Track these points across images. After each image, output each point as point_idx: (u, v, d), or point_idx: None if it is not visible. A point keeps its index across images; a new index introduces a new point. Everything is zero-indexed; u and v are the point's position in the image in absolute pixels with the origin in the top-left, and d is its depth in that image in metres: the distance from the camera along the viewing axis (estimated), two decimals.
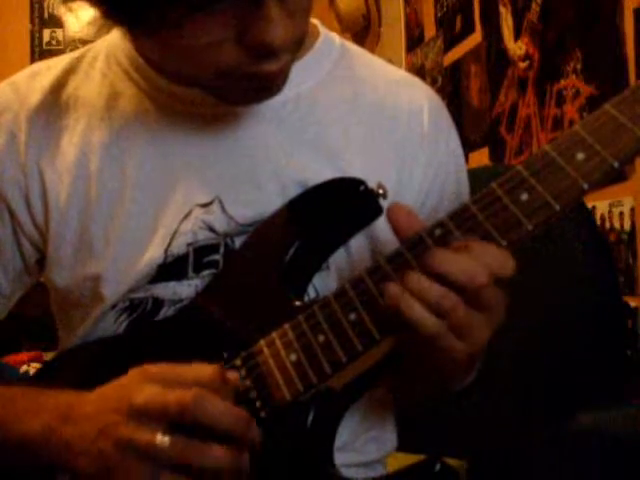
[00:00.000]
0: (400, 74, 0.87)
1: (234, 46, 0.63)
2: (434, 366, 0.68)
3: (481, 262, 0.58)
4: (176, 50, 0.65)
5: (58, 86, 0.81)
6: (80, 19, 3.32)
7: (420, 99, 0.83)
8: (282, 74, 0.69)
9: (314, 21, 0.85)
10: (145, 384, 0.62)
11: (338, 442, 0.70)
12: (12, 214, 0.80)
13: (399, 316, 0.59)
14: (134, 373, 0.64)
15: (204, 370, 0.63)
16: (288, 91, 0.74)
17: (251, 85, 0.68)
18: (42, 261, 0.82)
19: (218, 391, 0.62)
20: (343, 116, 0.80)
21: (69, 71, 0.82)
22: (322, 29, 0.85)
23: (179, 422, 0.60)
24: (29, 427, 0.67)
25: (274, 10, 0.61)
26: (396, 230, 0.63)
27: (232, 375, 0.64)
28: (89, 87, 0.81)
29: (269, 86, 0.69)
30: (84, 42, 3.11)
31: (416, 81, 0.87)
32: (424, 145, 0.81)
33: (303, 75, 0.79)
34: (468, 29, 2.27)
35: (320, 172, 0.75)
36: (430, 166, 0.81)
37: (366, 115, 0.80)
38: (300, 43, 0.69)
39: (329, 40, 0.84)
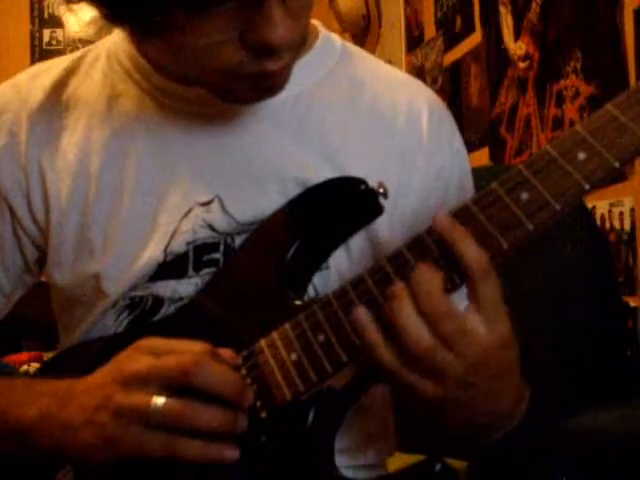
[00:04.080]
0: (400, 76, 0.87)
1: (237, 46, 0.63)
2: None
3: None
4: (180, 51, 0.65)
5: (59, 86, 0.81)
6: (80, 19, 3.32)
7: (419, 101, 0.83)
8: (284, 73, 0.69)
9: (314, 22, 0.85)
10: (139, 355, 0.65)
11: (337, 445, 0.70)
12: (13, 213, 0.80)
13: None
14: (127, 349, 0.66)
15: (195, 344, 0.65)
16: (288, 91, 0.74)
17: (253, 84, 0.68)
18: (42, 260, 0.82)
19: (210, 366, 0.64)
20: (342, 116, 0.79)
21: (70, 71, 0.82)
22: (322, 30, 0.85)
23: (177, 385, 0.62)
24: (26, 414, 0.68)
25: (276, 10, 0.61)
26: None
27: (225, 352, 0.66)
28: (90, 87, 0.81)
29: (271, 85, 0.70)
30: (84, 42, 3.10)
31: (416, 83, 0.87)
32: (423, 147, 0.81)
33: (302, 75, 0.79)
34: (468, 29, 2.27)
35: (320, 171, 0.75)
36: (431, 168, 0.81)
37: (365, 116, 0.80)
38: (302, 42, 0.70)
39: (329, 41, 0.84)
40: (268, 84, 0.69)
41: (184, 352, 0.64)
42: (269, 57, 0.64)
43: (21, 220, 0.80)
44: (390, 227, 0.77)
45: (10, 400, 0.71)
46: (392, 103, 0.82)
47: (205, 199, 0.76)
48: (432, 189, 0.80)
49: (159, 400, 0.62)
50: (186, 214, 0.76)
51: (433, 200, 0.80)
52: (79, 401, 0.66)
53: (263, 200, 0.75)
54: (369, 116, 0.80)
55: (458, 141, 0.86)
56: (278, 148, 0.77)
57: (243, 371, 0.68)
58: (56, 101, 0.81)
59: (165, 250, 0.75)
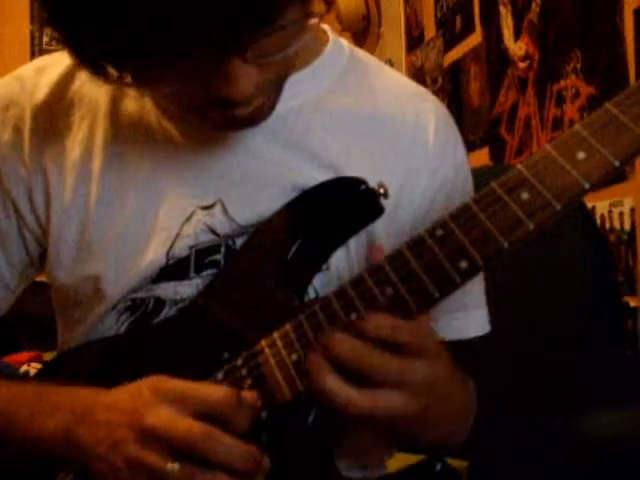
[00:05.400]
0: (409, 86, 0.87)
1: (201, 94, 0.63)
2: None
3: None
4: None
5: (64, 83, 0.81)
6: None
7: (427, 112, 0.82)
8: (260, 111, 0.68)
9: (324, 25, 0.85)
10: (159, 404, 0.62)
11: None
12: (17, 209, 0.80)
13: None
14: (149, 385, 0.64)
15: (219, 393, 0.63)
16: (292, 101, 0.74)
17: (228, 123, 0.68)
18: (44, 255, 0.82)
19: (235, 415, 0.62)
20: (346, 124, 0.79)
21: (75, 67, 0.82)
22: (331, 35, 0.84)
23: (186, 454, 0.60)
24: (45, 427, 0.67)
25: (237, 67, 0.59)
26: None
27: (249, 395, 0.64)
28: (94, 85, 0.80)
29: (248, 121, 0.69)
30: None
31: (425, 93, 0.87)
32: (429, 157, 0.81)
33: (309, 83, 0.79)
34: (468, 29, 2.27)
35: (320, 178, 0.75)
36: (434, 178, 0.80)
37: (370, 124, 0.80)
38: (279, 84, 0.69)
39: (338, 47, 0.84)
40: (244, 122, 0.69)
41: (206, 405, 0.61)
42: (235, 106, 0.63)
43: (24, 216, 0.80)
44: (388, 233, 0.77)
45: (24, 412, 0.70)
46: (399, 112, 0.81)
47: (207, 203, 0.76)
48: (434, 197, 0.80)
49: (173, 465, 0.60)
50: (188, 218, 0.76)
51: (435, 208, 0.80)
52: (95, 432, 0.64)
53: (264, 203, 0.75)
54: (374, 124, 0.80)
55: (462, 152, 0.86)
56: (276, 159, 0.77)
57: (244, 371, 0.68)
58: (61, 98, 0.80)
59: (167, 254, 0.75)
